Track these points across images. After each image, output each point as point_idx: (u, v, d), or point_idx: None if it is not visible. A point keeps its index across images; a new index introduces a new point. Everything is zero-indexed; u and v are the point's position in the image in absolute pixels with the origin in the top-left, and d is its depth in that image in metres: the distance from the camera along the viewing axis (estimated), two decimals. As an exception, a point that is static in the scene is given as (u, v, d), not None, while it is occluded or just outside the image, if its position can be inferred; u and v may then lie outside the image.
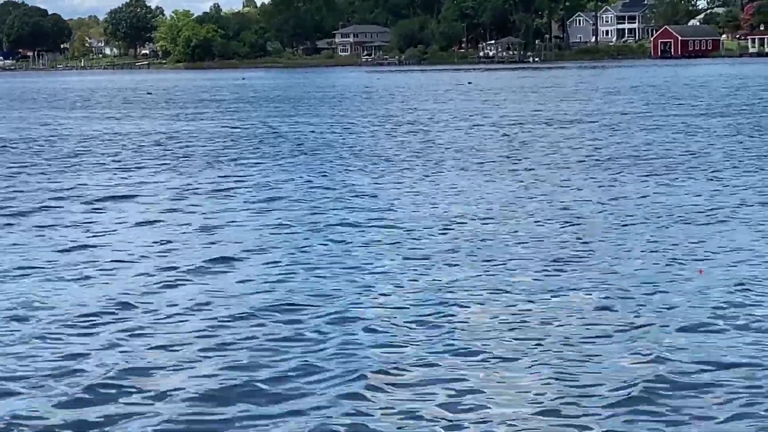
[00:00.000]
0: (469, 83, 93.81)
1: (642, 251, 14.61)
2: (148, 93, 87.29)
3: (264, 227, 17.41)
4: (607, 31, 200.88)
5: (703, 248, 14.78)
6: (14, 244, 16.20)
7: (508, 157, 28.75)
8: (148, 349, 10.21)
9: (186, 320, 11.25)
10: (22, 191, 23.02)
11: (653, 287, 12.35)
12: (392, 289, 12.54)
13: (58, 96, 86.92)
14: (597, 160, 27.27)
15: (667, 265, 13.68)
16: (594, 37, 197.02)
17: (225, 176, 25.41)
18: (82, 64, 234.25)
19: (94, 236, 16.89)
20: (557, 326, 10.73)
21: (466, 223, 17.38)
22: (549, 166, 25.94)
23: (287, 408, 8.50)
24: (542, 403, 8.52)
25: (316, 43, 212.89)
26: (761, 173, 23.51)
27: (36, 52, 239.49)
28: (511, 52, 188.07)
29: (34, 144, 37.03)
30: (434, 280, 12.98)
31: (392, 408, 8.46)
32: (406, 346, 10.11)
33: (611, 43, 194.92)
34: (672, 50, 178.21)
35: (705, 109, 48.38)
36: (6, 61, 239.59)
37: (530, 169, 25.35)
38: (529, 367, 9.42)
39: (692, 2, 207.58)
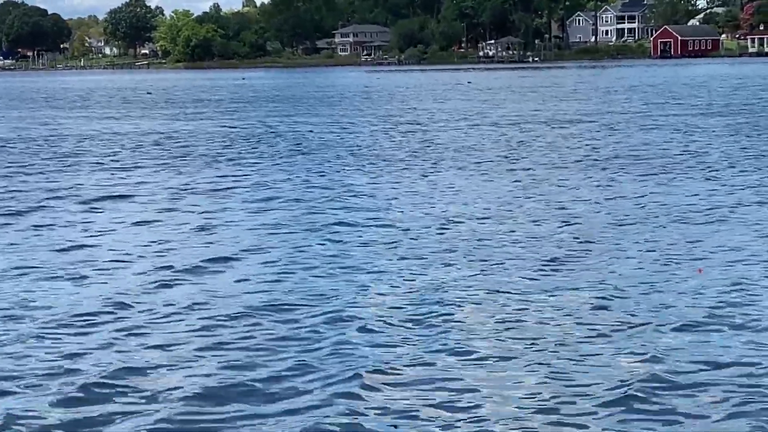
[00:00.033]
0: (469, 83, 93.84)
1: (639, 251, 14.62)
2: (148, 93, 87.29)
3: (261, 227, 17.42)
4: (606, 31, 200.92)
5: (701, 248, 14.78)
6: (11, 244, 16.20)
7: (506, 156, 28.75)
8: (145, 348, 10.21)
9: (182, 320, 11.25)
10: (20, 191, 23.01)
11: (650, 287, 12.36)
12: (388, 288, 12.55)
13: (57, 96, 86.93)
14: (595, 159, 27.28)
15: (664, 264, 13.69)
16: (594, 37, 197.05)
17: (223, 176, 25.42)
18: (82, 64, 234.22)
19: (91, 236, 16.89)
20: (554, 326, 10.73)
21: (463, 222, 17.38)
22: (547, 166, 25.94)
23: (283, 407, 8.51)
24: (538, 402, 8.52)
25: (315, 42, 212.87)
26: (759, 173, 23.53)
27: (36, 52, 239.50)
28: (510, 52, 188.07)
29: (32, 143, 37.03)
30: (431, 279, 12.98)
31: (388, 407, 8.47)
32: (402, 346, 10.12)
33: (611, 43, 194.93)
34: (672, 50, 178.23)
35: (703, 109, 48.39)
36: (6, 61, 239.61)
37: (528, 169, 25.36)
38: (525, 366, 9.43)
39: (692, 2, 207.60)
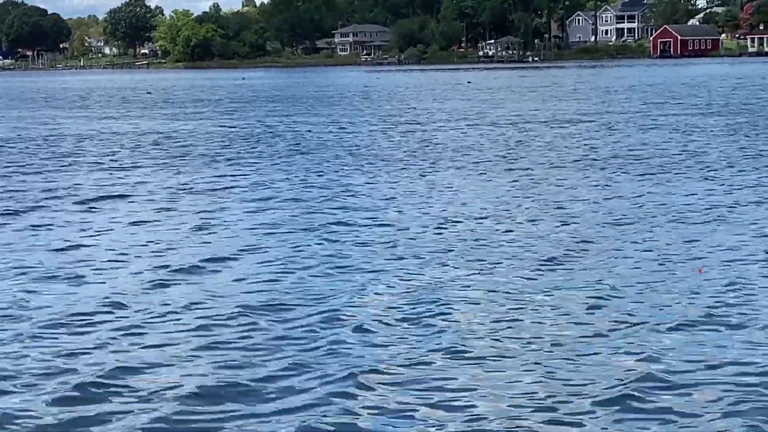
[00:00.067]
0: (469, 83, 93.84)
1: (636, 251, 14.62)
2: (148, 93, 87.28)
3: (259, 226, 17.42)
4: (606, 31, 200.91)
5: (699, 248, 14.79)
6: (9, 243, 16.20)
7: (504, 156, 28.75)
8: (141, 348, 10.22)
9: (179, 319, 11.26)
10: (19, 190, 23.01)
11: (647, 286, 12.36)
12: (385, 288, 12.55)
13: (57, 95, 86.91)
14: (594, 159, 27.28)
15: (661, 264, 13.69)
16: (593, 37, 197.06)
17: (221, 176, 25.42)
18: (82, 64, 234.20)
19: (88, 236, 16.89)
20: (551, 325, 10.74)
21: (460, 222, 17.38)
22: (545, 166, 25.94)
23: (279, 407, 8.52)
24: (534, 402, 8.53)
25: (315, 42, 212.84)
26: (757, 172, 23.54)
27: (35, 52, 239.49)
28: (510, 52, 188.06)
29: (31, 143, 37.02)
30: (427, 279, 12.99)
31: (384, 407, 8.48)
32: (399, 346, 10.12)
33: (611, 43, 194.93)
34: (671, 50, 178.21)
35: (702, 109, 48.38)
36: (5, 61, 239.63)
37: (527, 169, 25.36)
38: (522, 366, 9.43)
39: (692, 2, 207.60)
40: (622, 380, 8.92)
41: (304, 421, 8.14)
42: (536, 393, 8.71)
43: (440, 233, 16.37)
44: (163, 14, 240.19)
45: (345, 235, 16.38)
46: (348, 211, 18.96)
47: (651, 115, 44.58)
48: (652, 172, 23.95)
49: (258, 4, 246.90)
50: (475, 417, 8.23)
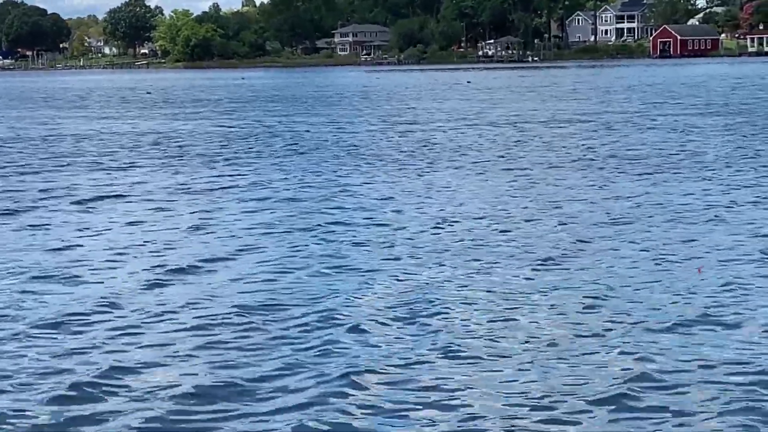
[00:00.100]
0: (468, 83, 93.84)
1: (633, 251, 14.62)
2: (148, 92, 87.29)
3: (256, 226, 17.42)
4: (606, 31, 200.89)
5: (695, 247, 14.79)
6: (6, 243, 16.21)
7: (503, 156, 28.76)
8: (137, 347, 10.23)
9: (175, 319, 11.27)
10: (17, 190, 23.02)
11: (644, 286, 12.36)
12: (382, 288, 12.56)
13: (56, 95, 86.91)
14: (592, 159, 27.29)
15: (658, 264, 13.70)
16: (593, 37, 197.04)
17: (220, 175, 25.43)
18: (81, 64, 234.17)
19: (85, 236, 16.88)
20: (547, 325, 10.74)
21: (457, 222, 17.38)
22: (544, 166, 25.94)
23: (274, 406, 8.52)
24: (530, 402, 8.53)
25: (315, 42, 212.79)
26: (755, 172, 23.55)
27: (35, 52, 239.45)
28: (510, 52, 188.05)
29: (30, 143, 37.03)
30: (424, 279, 13.00)
31: (379, 407, 8.49)
32: (395, 346, 10.13)
33: (610, 43, 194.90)
34: (671, 49, 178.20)
35: (701, 109, 48.39)
36: (5, 61, 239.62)
37: (525, 169, 25.36)
38: (518, 366, 9.43)
39: (691, 1, 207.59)
40: (618, 380, 8.93)
41: (300, 421, 8.15)
42: (532, 393, 8.72)
43: (437, 233, 16.38)
44: (162, 14, 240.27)
45: (342, 234, 16.38)
46: (345, 210, 18.98)
47: (650, 115, 44.59)
48: (650, 172, 23.96)
49: (258, 4, 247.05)
50: (470, 417, 8.24)
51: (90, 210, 19.84)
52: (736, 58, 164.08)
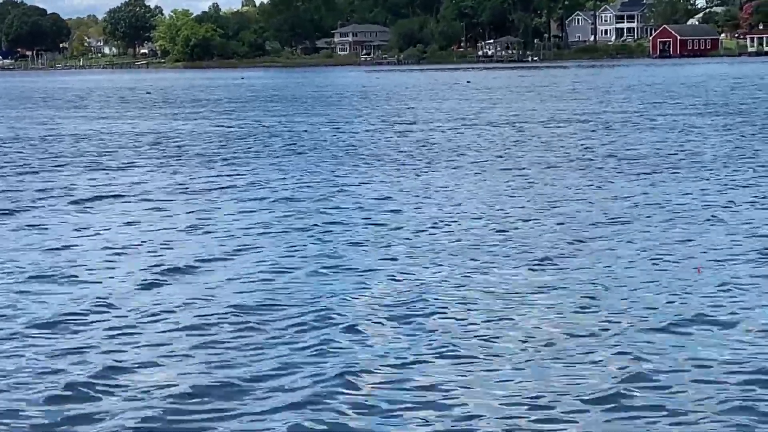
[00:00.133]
0: (468, 82, 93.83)
1: (630, 250, 14.62)
2: (147, 92, 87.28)
3: (253, 226, 17.43)
4: (606, 31, 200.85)
5: (692, 247, 14.79)
6: (3, 243, 16.21)
7: (501, 156, 28.77)
8: (132, 347, 10.24)
9: (170, 319, 11.28)
10: (14, 190, 23.02)
11: (640, 286, 12.37)
12: (378, 288, 12.56)
13: (56, 95, 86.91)
14: (590, 159, 27.29)
15: (655, 263, 13.70)
16: (593, 37, 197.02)
17: (218, 176, 25.43)
18: (81, 64, 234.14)
19: (82, 235, 16.89)
20: (543, 325, 10.75)
21: (455, 222, 17.39)
22: (542, 166, 25.94)
23: (269, 406, 8.53)
24: (524, 401, 8.55)
25: (315, 42, 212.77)
26: (752, 172, 23.55)
27: (35, 52, 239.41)
28: (510, 52, 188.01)
29: (29, 143, 37.03)
30: (420, 279, 13.00)
31: (375, 407, 8.50)
32: (390, 345, 10.13)
33: (610, 43, 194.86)
34: (671, 49, 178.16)
35: (700, 109, 48.39)
36: (5, 61, 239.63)
37: (523, 169, 25.37)
38: (513, 366, 9.44)
39: (691, 1, 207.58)
40: (614, 380, 8.94)
41: (296, 421, 8.16)
42: (528, 392, 8.73)
43: (434, 233, 16.38)
44: (162, 14, 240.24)
45: (339, 234, 16.39)
46: (343, 210, 18.98)
47: (649, 115, 44.58)
48: (648, 172, 23.96)
49: (257, 3, 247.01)
50: (466, 416, 8.25)
51: (88, 210, 19.85)
52: (735, 58, 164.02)
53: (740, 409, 8.25)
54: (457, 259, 14.23)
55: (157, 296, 12.36)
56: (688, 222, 16.98)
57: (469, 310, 11.41)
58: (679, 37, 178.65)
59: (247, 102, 67.70)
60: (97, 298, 12.25)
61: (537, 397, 8.61)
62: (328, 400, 8.61)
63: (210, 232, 16.93)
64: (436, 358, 9.71)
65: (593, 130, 37.04)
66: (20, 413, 8.47)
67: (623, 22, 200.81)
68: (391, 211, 18.83)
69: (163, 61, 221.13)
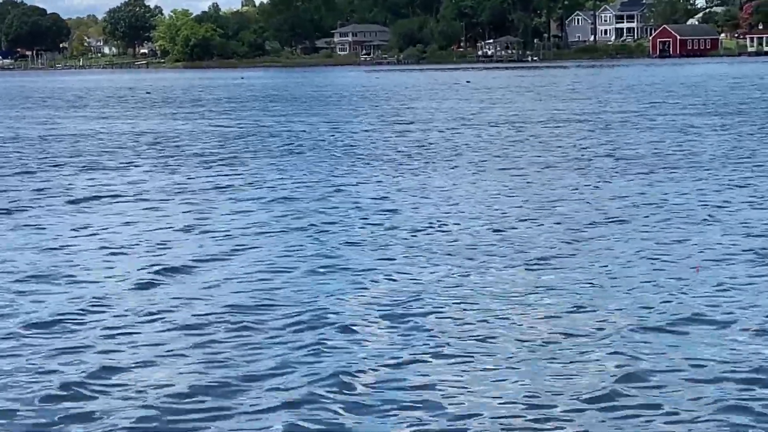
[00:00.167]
0: (468, 82, 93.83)
1: (627, 250, 14.61)
2: (147, 92, 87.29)
3: (251, 226, 17.42)
4: (605, 30, 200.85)
5: (689, 247, 14.79)
6: (0, 242, 16.23)
7: (499, 156, 28.77)
8: (128, 347, 10.24)
9: (166, 318, 11.28)
10: (12, 190, 23.03)
11: (637, 286, 12.37)
12: (374, 287, 12.56)
13: (55, 95, 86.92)
14: (589, 159, 27.29)
15: (652, 263, 13.70)
16: (592, 37, 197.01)
17: (216, 175, 25.43)
18: (81, 64, 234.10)
19: (79, 235, 16.90)
20: (539, 325, 10.75)
21: (452, 222, 17.38)
22: (540, 165, 25.94)
23: (264, 405, 8.53)
24: (520, 400, 8.55)
25: (314, 42, 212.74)
26: (750, 172, 23.56)
27: (35, 52, 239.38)
28: (509, 51, 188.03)
29: (28, 143, 37.03)
30: (417, 278, 13.00)
31: (370, 406, 8.49)
32: (385, 346, 10.13)
33: (610, 43, 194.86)
34: (671, 49, 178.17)
35: (699, 109, 48.39)
36: (4, 61, 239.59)
37: (521, 168, 25.38)
38: (509, 366, 9.43)
39: (691, 1, 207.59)
40: (610, 379, 8.94)
41: (292, 421, 8.16)
42: (524, 392, 8.73)
43: (431, 233, 16.38)
44: (162, 14, 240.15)
45: (336, 234, 16.39)
46: (340, 210, 18.98)
47: (648, 115, 44.59)
48: (646, 172, 23.97)
49: (257, 3, 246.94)
50: (461, 416, 8.25)
51: (85, 210, 19.85)
52: (735, 57, 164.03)
53: (736, 409, 8.25)
54: (454, 258, 14.23)
55: (154, 296, 12.36)
56: (685, 222, 16.98)
57: (465, 309, 11.41)
58: (678, 37, 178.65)
59: (247, 102, 67.70)
60: (94, 297, 12.25)
61: (533, 397, 8.61)
62: (324, 400, 8.61)
63: (207, 232, 16.94)
64: (432, 357, 9.70)
65: (592, 130, 37.05)
66: (16, 413, 8.47)
67: (623, 22, 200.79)
68: (389, 210, 18.83)
69: (162, 61, 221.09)
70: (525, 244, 15.24)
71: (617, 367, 9.29)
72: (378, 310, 11.41)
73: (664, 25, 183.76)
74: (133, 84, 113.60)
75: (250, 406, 8.53)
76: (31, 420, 8.33)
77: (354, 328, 10.73)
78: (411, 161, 27.65)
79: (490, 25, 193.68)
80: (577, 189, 21.32)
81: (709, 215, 17.53)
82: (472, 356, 9.73)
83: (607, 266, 13.54)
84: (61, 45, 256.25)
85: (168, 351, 10.06)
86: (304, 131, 40.11)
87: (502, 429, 8.02)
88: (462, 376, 9.18)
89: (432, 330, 10.62)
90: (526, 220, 17.46)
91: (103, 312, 11.59)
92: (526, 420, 8.14)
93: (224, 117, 51.71)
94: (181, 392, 8.84)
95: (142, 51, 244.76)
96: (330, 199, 20.50)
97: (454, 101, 61.61)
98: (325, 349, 9.98)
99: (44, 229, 17.65)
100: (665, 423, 8.04)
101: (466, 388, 8.88)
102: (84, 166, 28.22)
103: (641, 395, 8.60)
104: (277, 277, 13.23)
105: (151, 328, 10.92)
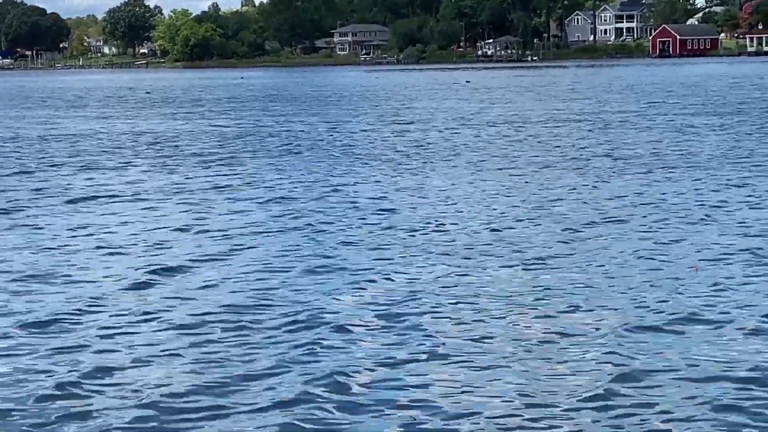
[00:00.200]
0: (467, 82, 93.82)
1: (625, 250, 14.61)
2: (147, 92, 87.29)
3: (248, 226, 17.42)
4: (605, 30, 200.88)
5: (686, 247, 14.79)
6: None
7: (498, 156, 28.78)
8: (124, 347, 10.23)
9: (162, 318, 11.28)
10: (10, 190, 23.02)
11: (634, 286, 12.37)
12: (371, 287, 12.55)
13: (55, 95, 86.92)
14: (587, 159, 27.30)
15: (649, 263, 13.70)
16: (592, 36, 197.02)
17: (215, 175, 25.44)
18: (81, 63, 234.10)
19: (77, 235, 16.89)
20: (535, 325, 10.75)
21: (450, 222, 17.38)
22: (539, 165, 25.94)
23: (260, 405, 8.53)
24: (516, 400, 8.55)
25: (314, 42, 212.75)
26: (748, 172, 23.56)
27: (34, 51, 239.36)
28: (509, 51, 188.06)
29: (27, 143, 37.03)
30: (414, 278, 13.00)
31: (366, 407, 8.50)
32: (381, 345, 10.14)
33: (609, 42, 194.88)
34: (670, 49, 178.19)
35: (698, 108, 48.40)
36: (4, 60, 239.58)
37: (519, 168, 25.38)
38: (505, 366, 9.43)
39: (690, 1, 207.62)
40: (605, 379, 8.94)
41: (287, 421, 8.16)
42: (519, 391, 8.73)
43: (429, 233, 16.38)
44: (162, 14, 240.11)
45: (334, 234, 16.39)
46: (338, 210, 18.98)
47: (647, 115, 44.59)
48: (645, 172, 23.97)
49: (257, 3, 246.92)
50: (456, 416, 8.25)
51: (83, 209, 19.85)
52: (735, 57, 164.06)
53: (732, 408, 8.25)
54: (451, 258, 14.24)
55: (151, 296, 12.37)
56: (682, 221, 16.98)
57: (461, 309, 11.41)
58: (678, 37, 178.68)
59: (246, 102, 67.70)
60: (91, 297, 12.26)
61: (529, 396, 8.61)
62: (319, 399, 8.61)
63: (204, 232, 16.94)
64: (428, 357, 9.70)
65: (591, 130, 37.05)
66: (12, 412, 8.46)
67: (623, 22, 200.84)
68: (386, 210, 18.83)
69: (162, 60, 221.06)
70: (522, 243, 15.24)
71: (613, 366, 9.30)
72: (374, 310, 11.42)
73: (664, 25, 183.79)
74: (132, 84, 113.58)
75: (246, 405, 8.53)
76: (28, 420, 8.33)
77: (350, 327, 10.73)
78: (410, 161, 27.66)
79: (490, 25, 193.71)
80: (575, 189, 21.32)
81: (706, 215, 17.55)
82: (468, 356, 9.73)
83: (604, 266, 13.55)
84: (60, 45, 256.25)
85: (164, 350, 10.06)
86: (304, 131, 40.11)
87: (498, 429, 8.02)
88: (458, 376, 9.18)
89: (428, 330, 10.62)
90: (523, 219, 17.47)
91: (100, 312, 11.60)
92: (521, 419, 8.14)
93: (224, 117, 51.71)
94: (177, 392, 8.84)
95: (141, 51, 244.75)
96: (328, 199, 20.51)
97: (454, 101, 61.61)
98: (321, 349, 9.99)
99: (42, 228, 17.66)
100: (661, 422, 8.04)
101: (462, 387, 8.88)
102: (83, 166, 28.24)
103: (637, 395, 8.61)
104: (274, 277, 13.24)
105: (148, 328, 10.92)
